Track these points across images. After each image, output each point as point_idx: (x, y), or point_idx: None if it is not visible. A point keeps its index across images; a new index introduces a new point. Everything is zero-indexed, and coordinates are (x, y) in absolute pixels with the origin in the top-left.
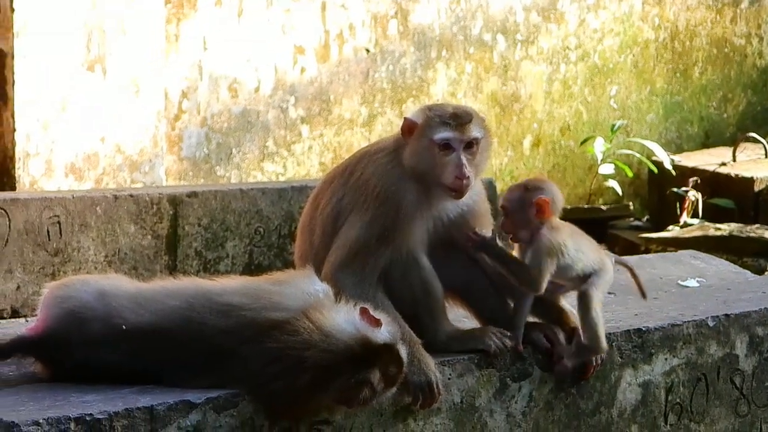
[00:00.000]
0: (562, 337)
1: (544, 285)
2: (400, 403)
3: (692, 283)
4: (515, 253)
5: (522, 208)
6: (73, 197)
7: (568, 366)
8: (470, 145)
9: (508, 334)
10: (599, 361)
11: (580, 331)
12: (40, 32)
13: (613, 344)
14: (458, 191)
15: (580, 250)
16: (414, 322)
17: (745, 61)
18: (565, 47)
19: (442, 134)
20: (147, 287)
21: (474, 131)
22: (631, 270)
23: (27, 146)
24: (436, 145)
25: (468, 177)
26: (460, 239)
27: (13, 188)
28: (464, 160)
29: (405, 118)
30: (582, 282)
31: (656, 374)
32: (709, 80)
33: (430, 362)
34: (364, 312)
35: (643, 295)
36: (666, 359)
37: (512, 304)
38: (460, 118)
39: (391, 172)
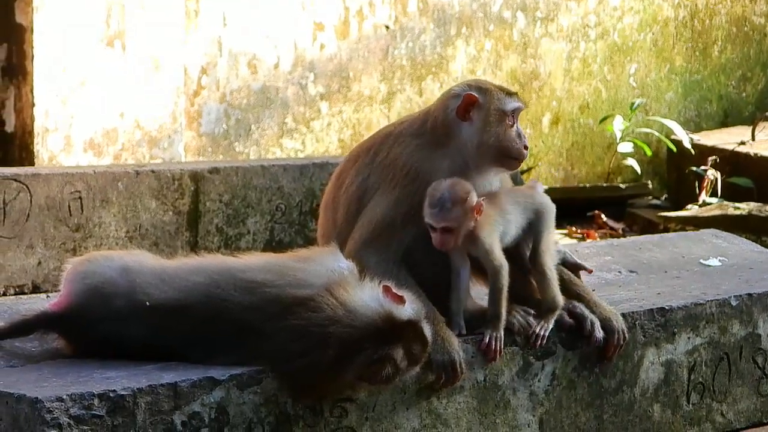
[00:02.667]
0: (586, 310)
1: (503, 258)
2: (424, 381)
3: (714, 262)
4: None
5: (465, 220)
6: (95, 173)
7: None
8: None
9: (532, 312)
10: (621, 342)
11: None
12: (60, 7)
13: (636, 323)
14: (522, 160)
15: (507, 212)
16: (437, 300)
17: (765, 39)
18: (584, 25)
19: (515, 104)
20: (170, 263)
21: None
22: None
23: (46, 121)
24: (507, 116)
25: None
26: None
27: (32, 163)
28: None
29: (467, 95)
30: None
31: (679, 353)
32: (728, 59)
33: (454, 341)
34: (387, 289)
35: None
36: (689, 338)
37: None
38: (514, 91)
39: (420, 151)
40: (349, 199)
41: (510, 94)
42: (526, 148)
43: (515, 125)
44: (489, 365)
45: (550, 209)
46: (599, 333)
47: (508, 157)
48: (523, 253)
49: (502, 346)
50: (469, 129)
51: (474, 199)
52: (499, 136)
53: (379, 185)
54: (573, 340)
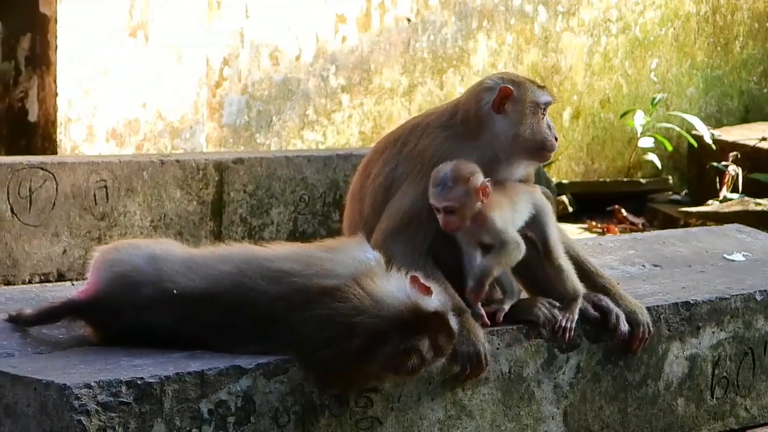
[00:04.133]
0: (611, 303)
1: (521, 243)
2: (449, 372)
3: (738, 257)
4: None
5: (469, 200)
6: (120, 162)
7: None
8: None
9: (557, 305)
10: (646, 335)
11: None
12: None
13: (661, 317)
14: (553, 152)
15: (514, 201)
16: (463, 292)
17: None
18: (606, 19)
19: (547, 97)
20: (198, 252)
21: None
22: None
23: (68, 111)
24: (540, 108)
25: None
26: None
27: (54, 153)
28: None
29: (503, 87)
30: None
31: (703, 347)
32: (749, 54)
33: (479, 332)
34: (414, 280)
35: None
36: (713, 333)
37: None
38: (543, 84)
39: (449, 143)
40: (376, 189)
41: (541, 87)
42: (556, 140)
43: (545, 118)
44: (513, 358)
45: (549, 207)
46: (624, 326)
47: (542, 149)
48: (537, 241)
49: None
50: (503, 121)
51: (478, 179)
52: (534, 129)
53: (407, 176)
54: (598, 333)
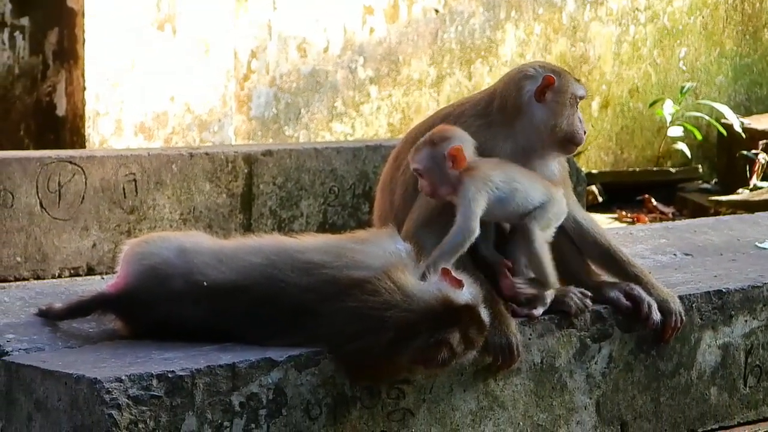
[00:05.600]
0: (643, 292)
1: (476, 225)
2: (481, 363)
3: None
4: None
5: (436, 164)
6: (149, 155)
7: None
8: None
9: (589, 294)
10: (678, 324)
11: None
12: None
13: (693, 306)
14: (580, 145)
15: (515, 180)
16: (495, 282)
17: None
18: (634, 8)
19: (583, 91)
20: (228, 244)
21: None
22: None
23: (97, 105)
24: (577, 101)
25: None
26: None
27: (83, 147)
28: None
29: (547, 76)
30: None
31: (736, 336)
32: None
33: (511, 323)
34: (445, 273)
35: None
36: (746, 321)
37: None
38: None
39: (482, 132)
40: (407, 180)
41: (577, 80)
42: (585, 133)
43: (578, 110)
44: (545, 348)
45: (562, 211)
46: (656, 315)
47: (572, 142)
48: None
49: None
50: (542, 111)
51: (450, 145)
52: (569, 120)
53: None
54: (630, 322)
